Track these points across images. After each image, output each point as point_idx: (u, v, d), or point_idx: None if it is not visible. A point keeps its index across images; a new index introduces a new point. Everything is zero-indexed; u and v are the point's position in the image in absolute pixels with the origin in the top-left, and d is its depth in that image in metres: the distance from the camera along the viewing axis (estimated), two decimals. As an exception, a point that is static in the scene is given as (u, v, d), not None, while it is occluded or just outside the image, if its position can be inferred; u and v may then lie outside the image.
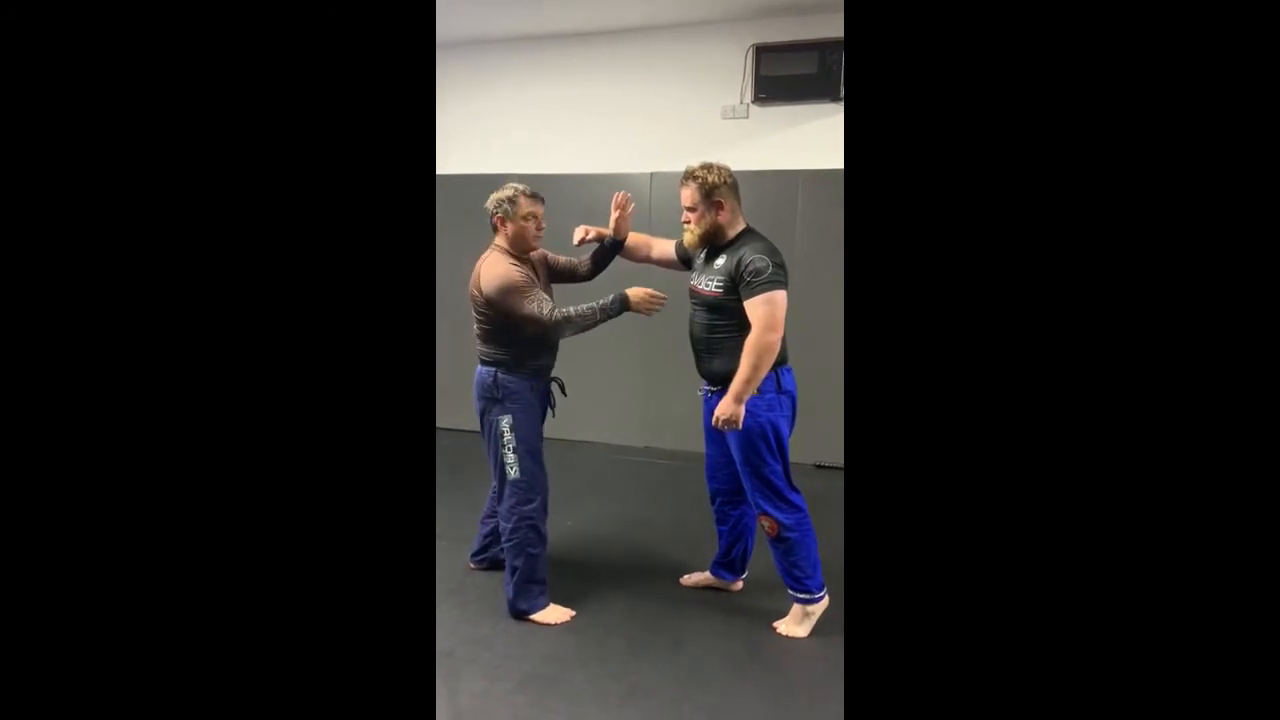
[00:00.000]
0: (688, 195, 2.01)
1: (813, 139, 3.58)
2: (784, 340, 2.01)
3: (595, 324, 2.06)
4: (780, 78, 3.53)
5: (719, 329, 2.02)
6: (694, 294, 2.09)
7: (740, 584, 2.38)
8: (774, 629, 2.14)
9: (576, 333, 2.07)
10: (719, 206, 2.00)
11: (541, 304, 2.01)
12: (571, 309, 2.04)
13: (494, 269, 2.03)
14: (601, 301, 2.05)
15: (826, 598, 2.14)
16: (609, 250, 2.28)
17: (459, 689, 1.82)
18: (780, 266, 1.94)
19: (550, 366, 2.21)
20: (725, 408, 1.96)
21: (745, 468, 2.07)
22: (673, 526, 2.91)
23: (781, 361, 2.03)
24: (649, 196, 3.84)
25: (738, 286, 1.94)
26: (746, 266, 1.92)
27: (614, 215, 2.22)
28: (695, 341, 2.11)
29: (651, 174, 3.82)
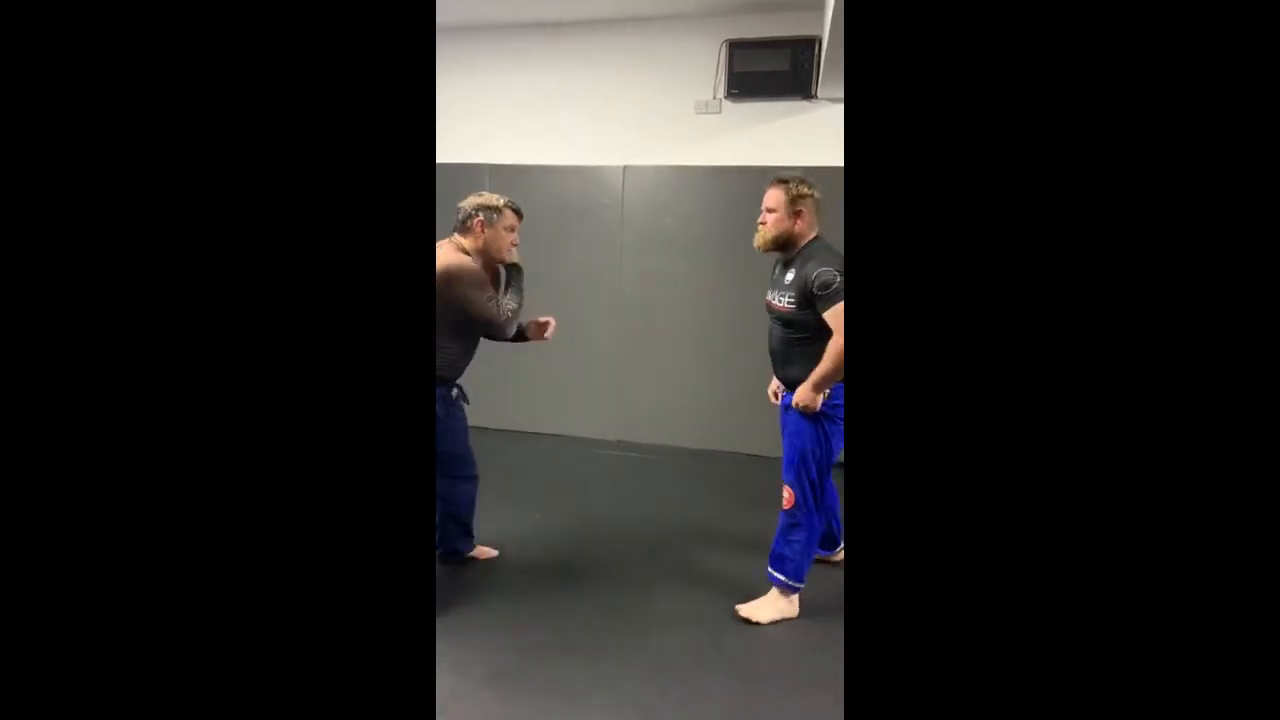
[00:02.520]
0: (773, 197, 2.09)
1: (784, 135, 3.61)
2: None
3: (511, 330, 2.17)
4: (753, 74, 3.55)
5: (794, 341, 2.12)
6: (769, 309, 2.19)
7: (837, 553, 2.53)
8: (736, 611, 2.19)
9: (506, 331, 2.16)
10: (799, 215, 2.08)
11: (499, 302, 2.09)
12: (510, 305, 2.14)
13: (445, 258, 2.01)
14: (516, 306, 2.18)
15: (797, 601, 2.20)
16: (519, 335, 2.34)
17: (425, 683, 1.81)
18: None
19: (457, 377, 2.21)
20: (803, 394, 2.06)
21: (792, 440, 2.16)
22: (643, 520, 2.92)
23: None
24: (621, 189, 3.84)
25: (811, 301, 2.02)
26: (814, 280, 1.99)
27: (539, 325, 2.33)
28: (773, 353, 2.22)
29: (624, 167, 3.81)
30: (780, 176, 2.10)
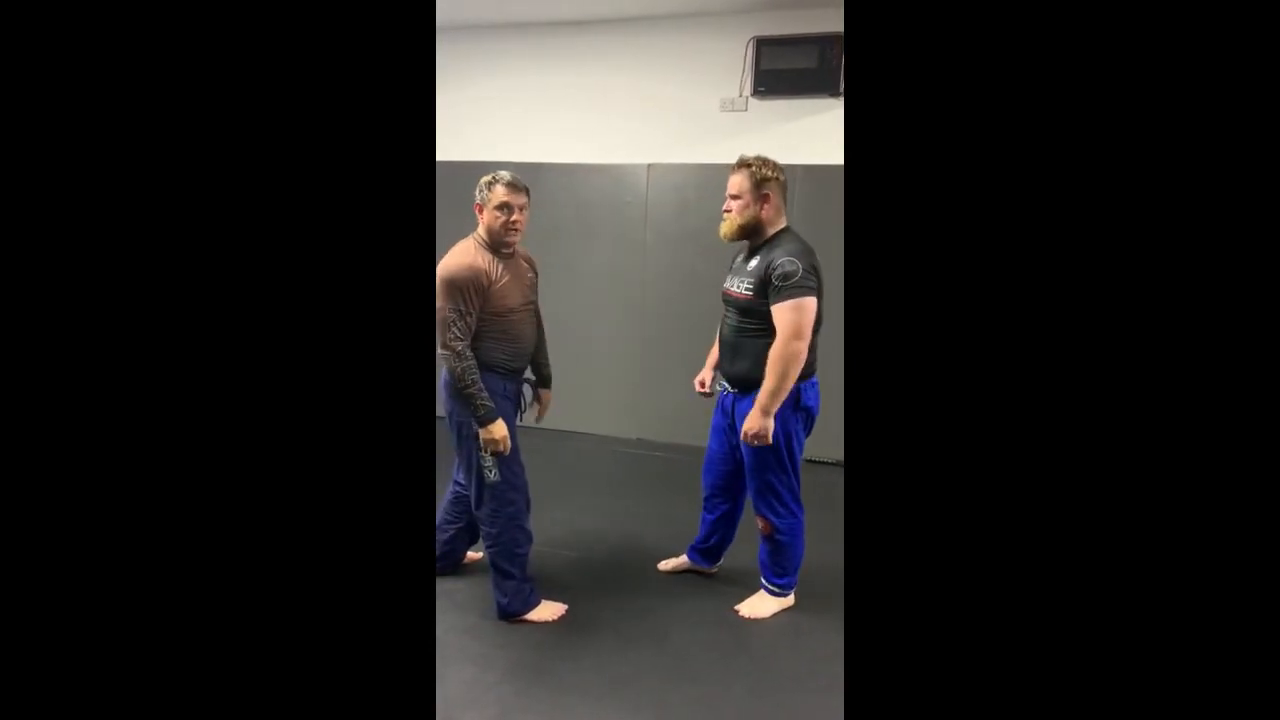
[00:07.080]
0: (736, 183, 1.96)
1: (811, 133, 3.57)
2: (814, 350, 1.96)
3: (463, 398, 1.89)
4: (780, 71, 3.52)
5: (747, 331, 1.98)
6: (726, 296, 2.06)
7: (715, 569, 2.44)
8: (736, 611, 2.21)
9: (451, 382, 1.90)
10: (765, 199, 1.95)
11: (462, 329, 1.85)
12: (471, 370, 1.86)
13: (454, 257, 1.89)
14: (484, 400, 1.89)
15: (792, 598, 2.24)
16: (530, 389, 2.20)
17: (447, 677, 1.82)
18: (812, 270, 1.89)
19: (524, 369, 2.10)
20: (753, 422, 1.91)
21: (754, 473, 2.08)
22: (663, 518, 2.91)
23: (808, 374, 1.98)
24: (645, 188, 3.83)
25: (766, 289, 1.89)
26: (775, 269, 1.86)
27: (539, 408, 2.18)
28: (723, 344, 2.10)
29: (649, 165, 3.80)
30: (742, 160, 1.97)
